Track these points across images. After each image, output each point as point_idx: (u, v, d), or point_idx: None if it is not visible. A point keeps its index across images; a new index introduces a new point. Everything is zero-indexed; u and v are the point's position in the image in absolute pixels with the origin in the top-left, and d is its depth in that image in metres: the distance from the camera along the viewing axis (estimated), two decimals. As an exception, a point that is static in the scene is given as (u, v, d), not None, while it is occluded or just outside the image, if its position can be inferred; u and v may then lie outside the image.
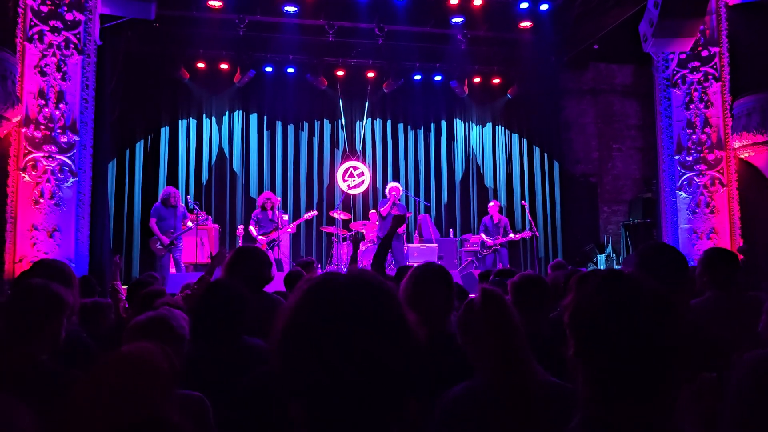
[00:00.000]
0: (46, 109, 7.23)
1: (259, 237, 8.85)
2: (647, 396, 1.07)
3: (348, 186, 11.67)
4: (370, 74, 11.54)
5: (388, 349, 0.90)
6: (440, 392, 1.76)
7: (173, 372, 1.42)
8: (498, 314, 1.65)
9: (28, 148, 7.19)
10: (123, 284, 6.23)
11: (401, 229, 9.25)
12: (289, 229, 9.00)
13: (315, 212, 10.06)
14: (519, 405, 1.57)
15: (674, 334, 1.09)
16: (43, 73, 7.27)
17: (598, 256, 11.22)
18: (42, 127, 7.23)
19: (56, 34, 7.33)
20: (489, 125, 12.31)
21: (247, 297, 2.47)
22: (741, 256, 3.19)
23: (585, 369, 1.13)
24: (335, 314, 0.90)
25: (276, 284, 6.54)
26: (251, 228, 8.98)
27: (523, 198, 11.76)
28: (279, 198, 9.43)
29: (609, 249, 11.39)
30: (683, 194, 8.54)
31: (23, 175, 7.16)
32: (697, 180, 8.50)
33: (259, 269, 3.12)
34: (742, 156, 8.46)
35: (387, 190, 9.19)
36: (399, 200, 9.06)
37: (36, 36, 7.28)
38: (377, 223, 9.57)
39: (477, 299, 1.71)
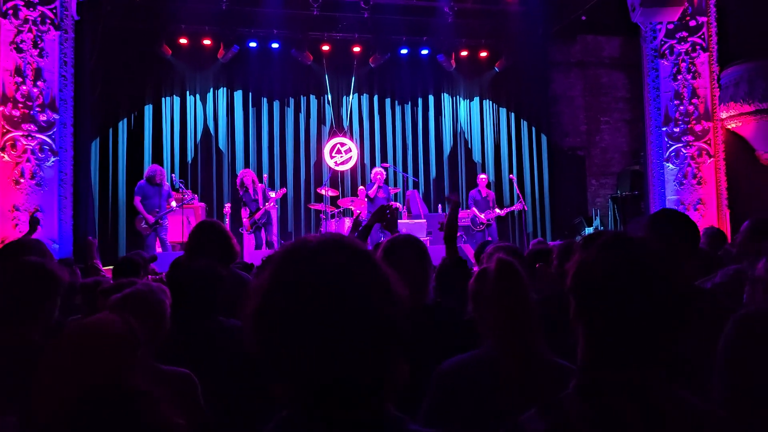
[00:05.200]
0: (24, 87, 7.06)
1: (245, 220, 8.77)
2: (644, 361, 1.05)
3: (335, 163, 11.58)
4: (356, 49, 11.38)
5: (373, 309, 0.85)
6: (424, 365, 1.71)
7: (136, 341, 1.44)
8: (510, 285, 1.63)
9: (7, 127, 7.04)
10: (107, 265, 6.16)
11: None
12: (271, 198, 8.96)
13: (284, 190, 9.97)
14: (520, 378, 1.56)
15: (675, 297, 1.07)
16: (19, 50, 7.08)
17: (586, 229, 11.25)
18: (20, 105, 7.07)
19: (31, 9, 7.13)
20: (477, 99, 12.22)
21: (218, 276, 2.36)
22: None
23: (584, 333, 1.11)
24: (312, 281, 0.84)
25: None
26: (242, 211, 8.91)
27: (511, 172, 11.72)
28: (253, 171, 9.34)
29: (597, 222, 11.43)
30: (671, 166, 8.54)
31: (2, 155, 7.02)
32: (685, 151, 8.50)
33: (225, 244, 2.92)
34: (729, 126, 8.48)
35: (372, 174, 9.38)
36: (385, 182, 9.29)
37: (10, 11, 7.07)
38: (365, 200, 9.56)
39: (491, 268, 1.68)
